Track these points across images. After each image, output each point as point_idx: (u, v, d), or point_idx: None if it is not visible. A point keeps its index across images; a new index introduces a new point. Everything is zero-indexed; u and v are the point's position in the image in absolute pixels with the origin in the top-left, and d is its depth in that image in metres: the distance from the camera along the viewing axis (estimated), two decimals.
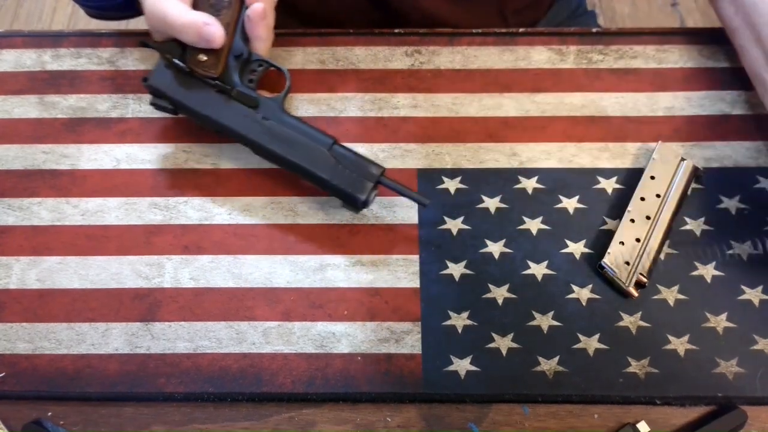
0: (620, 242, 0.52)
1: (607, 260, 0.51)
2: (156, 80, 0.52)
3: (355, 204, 0.51)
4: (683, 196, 0.54)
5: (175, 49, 0.51)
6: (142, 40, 0.52)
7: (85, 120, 0.58)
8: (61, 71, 0.60)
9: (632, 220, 0.52)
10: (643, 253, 0.51)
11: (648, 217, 0.52)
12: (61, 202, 0.55)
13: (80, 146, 0.57)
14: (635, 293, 0.51)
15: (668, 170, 0.54)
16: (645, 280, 0.51)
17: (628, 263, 0.51)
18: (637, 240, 0.52)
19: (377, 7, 0.68)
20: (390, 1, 0.67)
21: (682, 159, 0.54)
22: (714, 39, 0.60)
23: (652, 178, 0.54)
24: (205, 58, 0.51)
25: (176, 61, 0.51)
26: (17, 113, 0.58)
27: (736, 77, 0.59)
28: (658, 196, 0.53)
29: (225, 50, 0.52)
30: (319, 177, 0.51)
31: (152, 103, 0.53)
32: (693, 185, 0.54)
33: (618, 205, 0.54)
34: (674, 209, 0.53)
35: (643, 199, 0.53)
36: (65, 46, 0.61)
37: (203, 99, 0.52)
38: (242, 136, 0.52)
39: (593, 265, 0.52)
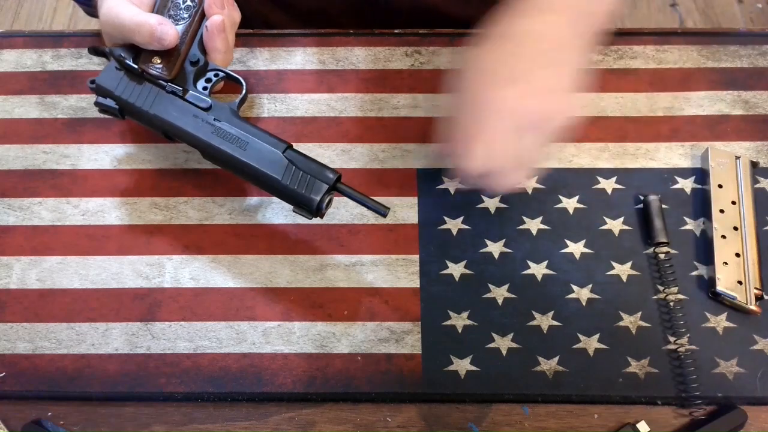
0: (724, 263, 0.51)
1: (721, 287, 0.50)
2: (104, 81, 0.51)
3: (309, 207, 0.48)
4: (754, 194, 0.53)
5: (127, 52, 0.51)
6: (91, 46, 0.52)
7: (86, 120, 0.58)
8: (61, 71, 0.60)
9: (723, 237, 0.52)
10: (748, 266, 0.51)
11: (735, 228, 0.52)
12: (62, 202, 0.55)
13: (80, 146, 0.57)
14: (758, 309, 0.50)
15: (730, 174, 0.53)
16: (761, 292, 0.50)
17: (740, 282, 0.50)
18: (737, 255, 0.51)
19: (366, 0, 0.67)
20: None
21: (737, 157, 0.54)
22: (713, 39, 0.60)
23: (720, 186, 0.53)
24: (158, 60, 0.51)
25: (128, 62, 0.50)
26: (18, 113, 0.58)
27: (736, 77, 0.59)
28: (733, 203, 0.52)
29: (181, 55, 0.51)
30: (270, 177, 0.49)
31: (96, 103, 0.51)
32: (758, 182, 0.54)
33: (618, 205, 0.54)
34: (753, 211, 0.52)
35: (722, 211, 0.52)
36: (66, 46, 0.61)
37: (152, 99, 0.51)
38: (190, 136, 0.50)
39: (593, 265, 0.52)
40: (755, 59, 0.59)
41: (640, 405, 0.49)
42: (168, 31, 0.49)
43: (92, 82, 0.51)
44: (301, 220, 0.54)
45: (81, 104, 0.58)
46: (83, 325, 0.51)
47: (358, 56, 0.60)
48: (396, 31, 0.61)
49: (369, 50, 0.60)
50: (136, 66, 0.50)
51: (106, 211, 0.55)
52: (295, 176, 0.48)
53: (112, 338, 0.51)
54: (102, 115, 0.58)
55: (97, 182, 0.56)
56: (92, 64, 0.60)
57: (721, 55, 0.60)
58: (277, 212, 0.55)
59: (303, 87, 0.59)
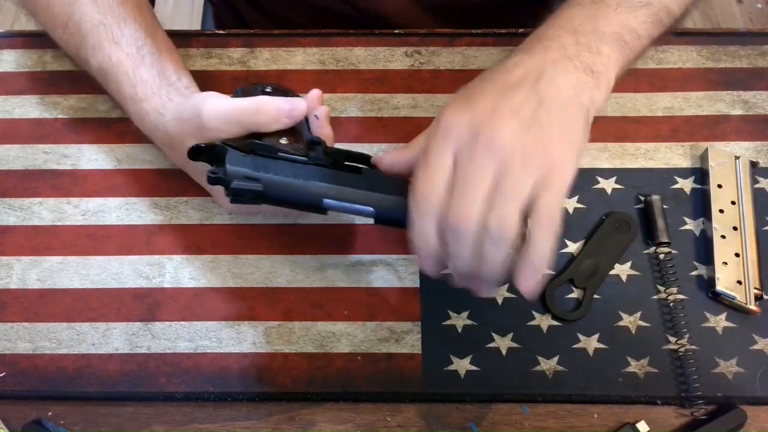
0: (723, 263, 0.51)
1: (721, 287, 0.50)
2: (235, 164, 0.43)
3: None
4: (753, 194, 0.53)
5: (243, 140, 0.45)
6: (191, 148, 0.44)
7: (86, 120, 0.58)
8: (62, 71, 0.60)
9: (723, 237, 0.51)
10: (747, 266, 0.50)
11: (735, 228, 0.52)
12: (62, 202, 0.55)
13: (81, 146, 0.57)
14: (757, 309, 0.50)
15: (730, 174, 0.53)
16: (761, 292, 0.50)
17: (740, 282, 0.50)
18: (737, 255, 0.51)
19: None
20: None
21: (737, 157, 0.54)
22: (713, 39, 0.60)
23: (720, 186, 0.53)
24: (285, 141, 0.47)
25: (263, 141, 0.44)
26: (18, 113, 0.58)
27: (735, 77, 0.59)
28: (733, 203, 0.52)
29: (302, 132, 0.48)
30: None
31: (235, 189, 0.42)
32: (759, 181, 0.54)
33: (618, 206, 0.54)
34: (753, 211, 0.52)
35: (721, 211, 0.52)
36: None
37: (302, 171, 0.44)
38: (368, 197, 0.44)
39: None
40: (755, 59, 0.59)
41: (639, 405, 0.49)
42: (297, 101, 0.47)
43: (214, 172, 0.43)
44: (301, 219, 0.54)
45: (81, 104, 0.58)
46: (83, 324, 0.51)
47: (358, 56, 0.60)
48: (396, 31, 0.61)
49: (369, 50, 0.60)
50: (272, 143, 0.45)
51: (107, 211, 0.55)
52: None
53: (113, 338, 0.51)
54: (102, 115, 0.58)
55: (98, 182, 0.56)
56: None
57: (720, 55, 0.60)
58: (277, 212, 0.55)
59: (303, 87, 0.59)
